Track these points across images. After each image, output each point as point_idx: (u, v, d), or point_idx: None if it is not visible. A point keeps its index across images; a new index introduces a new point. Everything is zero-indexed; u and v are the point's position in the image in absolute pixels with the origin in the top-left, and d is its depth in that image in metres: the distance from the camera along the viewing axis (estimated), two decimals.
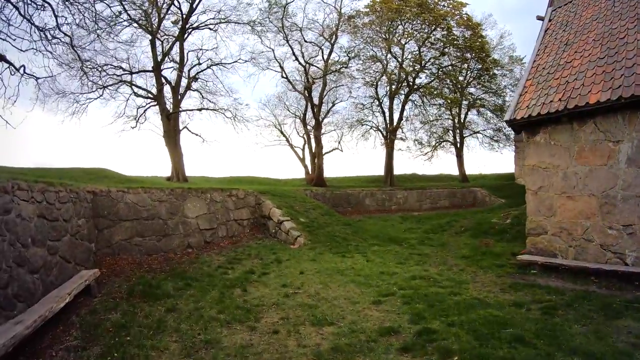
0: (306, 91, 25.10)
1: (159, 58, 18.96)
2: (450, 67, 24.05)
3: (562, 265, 8.26)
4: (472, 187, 24.68)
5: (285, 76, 25.69)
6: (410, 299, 6.75)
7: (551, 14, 11.83)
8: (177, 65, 19.65)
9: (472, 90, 25.65)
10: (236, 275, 8.56)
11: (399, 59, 24.93)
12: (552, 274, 8.27)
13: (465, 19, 22.76)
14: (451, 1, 22.95)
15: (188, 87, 20.13)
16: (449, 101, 24.40)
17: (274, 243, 12.32)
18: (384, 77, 25.58)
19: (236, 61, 21.30)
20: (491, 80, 25.09)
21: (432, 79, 24.99)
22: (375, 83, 26.61)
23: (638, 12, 9.20)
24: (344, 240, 12.49)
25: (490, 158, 69.98)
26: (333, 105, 27.58)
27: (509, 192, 22.49)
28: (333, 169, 58.60)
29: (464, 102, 26.85)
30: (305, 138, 26.53)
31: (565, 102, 8.42)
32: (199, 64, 20.32)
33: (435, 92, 24.28)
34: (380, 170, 27.12)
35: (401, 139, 27.47)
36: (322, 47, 24.53)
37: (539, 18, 21.25)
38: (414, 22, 23.48)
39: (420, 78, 25.36)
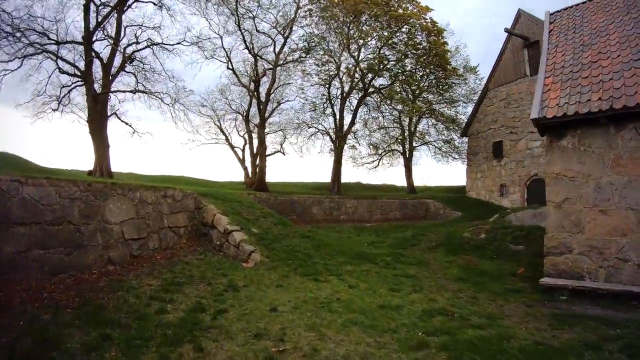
0: (253, 84, 22.89)
1: (92, 27, 15.75)
2: (410, 71, 23.47)
3: (599, 289, 7.19)
4: (423, 198, 24.19)
5: (231, 67, 23.29)
6: (454, 351, 4.87)
7: (550, 17, 11.29)
8: (112, 40, 16.44)
9: (429, 97, 25.11)
10: (179, 315, 5.93)
11: (357, 58, 23.89)
12: (585, 300, 7.25)
13: (430, 23, 22.42)
14: (416, 4, 22.50)
15: (122, 67, 17.01)
16: (411, 109, 23.70)
17: (221, 259, 9.73)
18: (339, 76, 24.41)
19: (180, 43, 18.53)
20: (448, 90, 25.07)
21: (391, 81, 24.18)
22: (328, 82, 25.29)
23: None
24: (308, 257, 10.30)
25: (437, 170, 72.38)
26: (279, 104, 25.78)
27: (463, 205, 22.20)
28: (274, 173, 57.04)
29: (413, 110, 26.57)
30: (247, 138, 24.32)
31: (608, 101, 7.48)
32: (137, 42, 17.32)
33: (397, 97, 23.48)
34: (324, 177, 25.72)
35: (353, 146, 26.31)
36: (275, 39, 22.63)
37: (507, 30, 21.79)
38: (377, 22, 22.60)
39: (377, 80, 24.50)
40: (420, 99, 23.95)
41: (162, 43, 18.01)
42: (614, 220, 7.60)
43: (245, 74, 24.25)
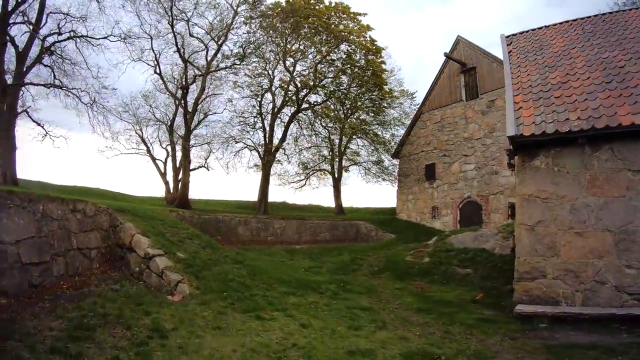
0: (181, 92, 20.95)
1: (9, 7, 13.54)
2: (346, 89, 23.00)
3: (582, 314, 6.78)
4: (353, 220, 23.64)
5: (159, 72, 21.25)
6: None
7: (507, 39, 11.40)
8: (32, 27, 14.22)
9: (362, 117, 24.68)
10: None
11: (292, 72, 22.98)
12: (566, 327, 6.77)
13: (369, 42, 22.28)
14: (357, 22, 22.25)
15: (39, 59, 14.86)
16: (345, 127, 23.11)
17: (141, 290, 7.57)
18: (271, 89, 23.34)
19: (106, 37, 16.54)
20: (382, 111, 24.99)
21: (326, 98, 23.50)
22: (261, 95, 24.07)
23: (625, 45, 9.11)
24: (245, 287, 8.52)
25: (365, 191, 71.96)
26: (206, 116, 23.91)
27: (394, 227, 21.94)
28: (198, 189, 53.64)
29: (348, 129, 26.26)
30: (170, 150, 22.20)
31: (589, 121, 7.26)
32: (59, 33, 15.20)
33: (331, 115, 22.80)
34: (250, 196, 24.27)
35: (280, 162, 25.02)
36: (208, 45, 20.94)
37: (446, 55, 22.39)
38: (316, 36, 21.98)
39: (312, 96, 23.71)
40: (354, 118, 23.56)
41: (87, 36, 15.98)
42: (591, 243, 7.31)
43: (173, 80, 22.31)
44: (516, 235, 7.90)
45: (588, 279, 7.18)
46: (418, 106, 24.11)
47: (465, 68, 20.66)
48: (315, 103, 23.60)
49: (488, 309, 8.31)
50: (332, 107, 22.11)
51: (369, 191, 76.12)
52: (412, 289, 10.35)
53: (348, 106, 23.20)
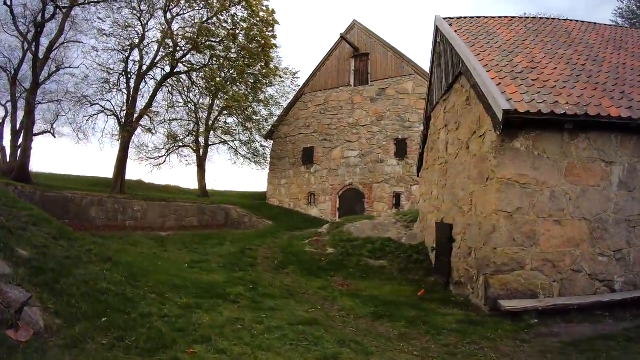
0: (32, 30, 15.90)
1: None
2: (234, 57, 19.78)
3: (571, 305, 6.46)
4: (222, 203, 20.90)
5: (9, 4, 15.93)
6: None
7: (445, 20, 10.90)
8: None
9: (242, 90, 20.87)
10: None
11: (170, 23, 18.80)
12: (557, 320, 6.32)
13: (266, 12, 19.48)
14: None
15: None
16: (226, 97, 19.67)
17: None
18: (143, 43, 18.79)
19: None
20: (263, 87, 22.39)
21: (206, 63, 19.81)
22: (129, 49, 19.17)
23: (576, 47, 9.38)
24: (127, 302, 5.22)
25: (230, 173, 64.30)
26: (58, 69, 18.99)
27: (269, 213, 20.02)
28: (40, 161, 42.95)
29: (218, 103, 23.08)
30: (11, 107, 17.80)
31: (581, 107, 7.02)
32: None
33: (216, 80, 19.08)
34: (102, 172, 19.57)
35: (149, 130, 20.34)
36: None
37: (342, 36, 21.20)
38: None
39: (192, 58, 19.87)
40: (232, 91, 20.68)
41: None
42: (568, 231, 6.85)
43: (24, 17, 16.80)
44: (493, 223, 7.18)
45: (566, 269, 6.89)
46: (300, 86, 22.87)
47: (357, 53, 20.08)
48: (197, 64, 19.73)
49: (453, 308, 7.48)
50: (214, 73, 18.86)
51: (234, 174, 70.72)
52: (335, 287, 8.49)
53: (229, 76, 20.20)
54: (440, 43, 10.66)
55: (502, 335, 5.81)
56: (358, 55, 19.98)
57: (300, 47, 57.91)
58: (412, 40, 55.60)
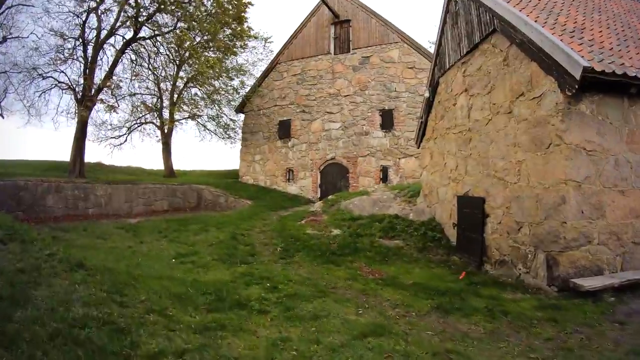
0: None
1: None
2: (204, 15, 17.35)
3: None
4: (193, 184, 19.01)
5: None
6: None
7: None
8: None
9: (212, 56, 18.00)
10: None
11: None
12: (628, 295, 5.71)
13: None
14: None
15: None
16: (201, 63, 17.19)
17: None
18: (102, 8, 16.02)
19: None
20: (235, 53, 20.15)
21: (174, 25, 16.98)
22: (87, 12, 16.27)
23: (607, 7, 8.61)
24: (122, 336, 3.64)
25: (197, 152, 57.83)
26: (4, 39, 16.35)
27: (246, 192, 18.44)
28: None
29: (182, 75, 20.69)
30: None
31: None
32: None
33: (186, 45, 16.53)
34: (57, 156, 16.93)
35: (111, 107, 17.61)
36: None
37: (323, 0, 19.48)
38: None
39: (159, 18, 17.00)
40: (203, 57, 18.33)
41: None
42: (631, 202, 6.15)
43: None
44: (562, 194, 6.33)
45: (628, 241, 6.44)
46: (273, 54, 21.05)
47: (337, 20, 18.48)
48: (164, 26, 17.16)
49: (514, 291, 6.69)
50: (183, 37, 16.49)
51: (202, 151, 63.77)
52: (364, 276, 7.41)
53: (201, 40, 17.84)
54: (458, 1, 9.66)
55: (596, 318, 5.09)
56: (338, 22, 18.51)
57: (272, 14, 54.53)
58: (397, 9, 53.79)
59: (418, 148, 12.84)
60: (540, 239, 6.53)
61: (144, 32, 16.92)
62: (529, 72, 6.98)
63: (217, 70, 17.41)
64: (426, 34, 56.37)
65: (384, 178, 16.93)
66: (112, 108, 17.09)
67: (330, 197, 14.03)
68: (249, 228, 11.98)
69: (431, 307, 5.65)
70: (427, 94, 11.34)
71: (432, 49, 20.63)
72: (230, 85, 20.41)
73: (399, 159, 16.62)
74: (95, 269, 5.39)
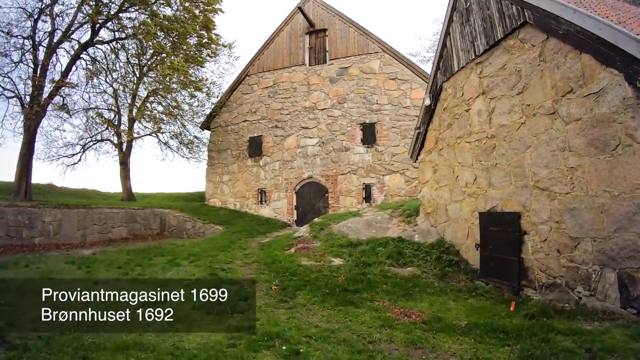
0: None
1: None
2: (170, 16, 15.32)
3: None
4: (155, 207, 16.74)
5: None
6: None
7: None
8: None
9: (178, 64, 16.71)
10: None
11: None
12: None
13: None
14: None
15: None
16: (167, 65, 15.07)
17: None
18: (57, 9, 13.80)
19: None
20: (202, 63, 18.16)
21: (138, 26, 15.12)
22: (39, 10, 14.04)
23: None
24: None
25: (156, 172, 52.66)
26: None
27: (215, 217, 16.47)
28: None
29: (143, 87, 18.55)
30: None
31: None
32: None
33: (154, 42, 14.38)
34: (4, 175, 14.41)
35: (64, 106, 15.02)
36: None
37: (299, 7, 18.12)
38: None
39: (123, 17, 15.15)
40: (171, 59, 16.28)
41: None
42: None
43: None
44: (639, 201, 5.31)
45: None
46: (239, 64, 19.55)
47: (313, 29, 17.37)
48: (127, 28, 14.93)
49: (586, 320, 5.41)
50: (147, 40, 14.45)
51: (163, 172, 59.13)
52: (400, 320, 5.82)
53: (167, 43, 15.86)
54: None
55: None
56: (314, 31, 17.41)
57: (240, 23, 52.81)
58: (377, 19, 53.47)
59: (415, 162, 11.70)
60: (609, 256, 5.43)
61: (104, 34, 14.82)
62: (579, 66, 6.02)
63: (182, 76, 15.52)
64: (406, 47, 56.69)
65: (367, 197, 15.69)
66: (64, 108, 14.66)
67: (316, 220, 12.52)
68: (229, 260, 10.16)
69: (518, 357, 4.25)
70: (427, 102, 10.29)
71: (414, 59, 20.05)
72: (195, 98, 18.49)
73: (383, 175, 15.47)
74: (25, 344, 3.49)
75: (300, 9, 16.51)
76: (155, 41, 14.41)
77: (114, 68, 15.62)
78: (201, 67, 17.61)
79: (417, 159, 11.44)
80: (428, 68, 15.00)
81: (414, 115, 15.34)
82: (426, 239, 9.97)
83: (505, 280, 7.37)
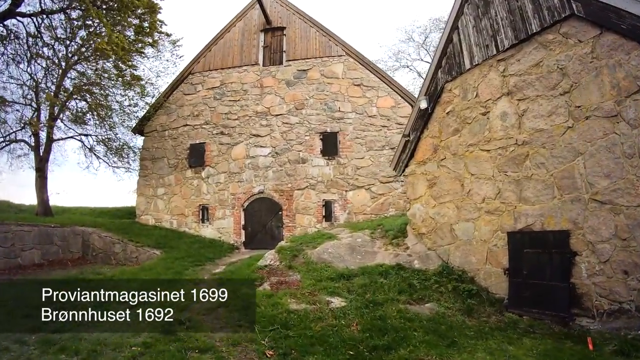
0: None
1: None
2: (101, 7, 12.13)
3: None
4: (76, 225, 13.22)
5: None
6: None
7: None
8: None
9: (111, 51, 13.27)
10: None
11: None
12: None
13: None
14: None
15: None
16: (114, 42, 11.64)
17: None
18: None
19: None
20: (141, 53, 15.06)
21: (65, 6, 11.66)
22: None
23: None
24: None
25: (76, 182, 42.85)
26: None
27: (149, 238, 13.46)
28: None
29: (68, 82, 14.96)
30: None
31: None
32: None
33: (95, 13, 11.03)
34: None
35: None
36: None
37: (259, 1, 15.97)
38: None
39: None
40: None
41: None
42: None
43: None
44: None
45: None
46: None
47: (269, 26, 15.62)
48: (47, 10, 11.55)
49: None
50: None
51: (86, 183, 50.24)
52: None
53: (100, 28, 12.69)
54: None
55: None
56: (270, 29, 15.67)
57: (184, 17, 48.21)
58: (339, 24, 51.48)
59: (399, 175, 10.47)
60: None
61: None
62: None
63: (119, 60, 12.71)
64: (370, 55, 55.51)
65: (328, 215, 14.16)
66: None
67: (284, 244, 10.66)
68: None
69: None
70: (423, 104, 9.15)
71: (381, 65, 19.16)
72: (126, 96, 15.56)
73: (346, 191, 14.09)
74: None
75: (259, 1, 14.69)
76: (93, 8, 11.47)
77: (39, 53, 12.32)
78: (141, 55, 14.78)
79: (403, 171, 10.18)
80: (395, 77, 14.05)
81: (381, 125, 14.32)
82: (427, 265, 8.66)
83: (548, 310, 6.29)
